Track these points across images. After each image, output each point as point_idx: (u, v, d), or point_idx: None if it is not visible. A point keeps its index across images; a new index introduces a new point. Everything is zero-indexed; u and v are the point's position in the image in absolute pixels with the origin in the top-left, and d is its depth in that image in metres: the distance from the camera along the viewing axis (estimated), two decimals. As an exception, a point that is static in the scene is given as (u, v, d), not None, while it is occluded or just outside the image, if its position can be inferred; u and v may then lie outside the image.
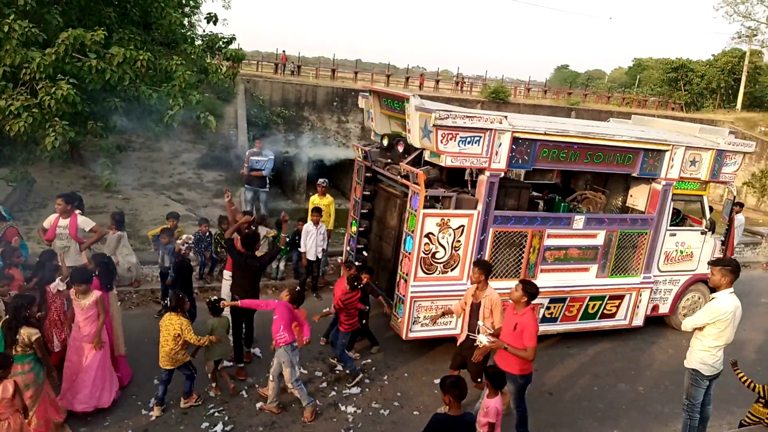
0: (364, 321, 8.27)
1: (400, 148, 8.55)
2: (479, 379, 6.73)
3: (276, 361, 6.66)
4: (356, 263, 8.58)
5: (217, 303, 7.00)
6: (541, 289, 8.42)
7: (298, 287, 7.24)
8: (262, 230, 10.00)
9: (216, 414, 6.68)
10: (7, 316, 5.67)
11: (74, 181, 14.83)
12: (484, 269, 6.74)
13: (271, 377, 6.79)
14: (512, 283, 8.24)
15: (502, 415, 5.44)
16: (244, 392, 7.12)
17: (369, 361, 8.19)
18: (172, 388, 6.89)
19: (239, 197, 14.55)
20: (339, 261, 9.41)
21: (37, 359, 5.67)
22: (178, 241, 8.38)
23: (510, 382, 6.11)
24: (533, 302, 6.17)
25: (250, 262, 7.35)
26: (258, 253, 7.73)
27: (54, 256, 7.08)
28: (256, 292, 7.43)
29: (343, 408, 7.05)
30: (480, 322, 6.56)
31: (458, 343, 7.04)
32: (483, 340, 6.14)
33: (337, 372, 7.83)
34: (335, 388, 7.48)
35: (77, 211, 8.09)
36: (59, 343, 6.68)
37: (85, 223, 7.97)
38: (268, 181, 13.22)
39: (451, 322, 8.07)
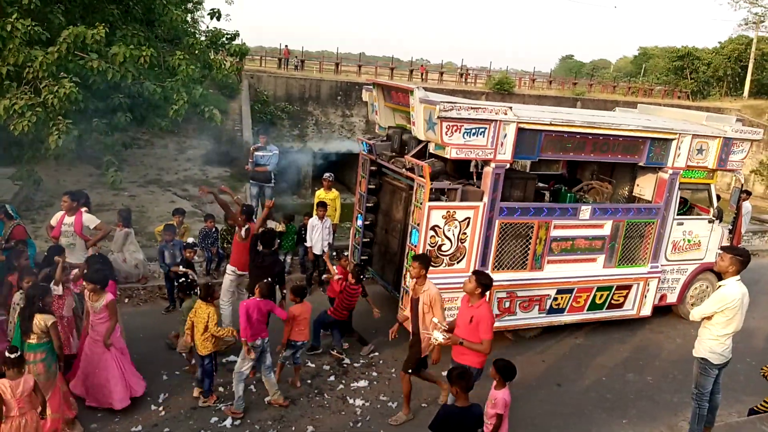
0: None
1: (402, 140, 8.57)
2: (410, 370, 6.65)
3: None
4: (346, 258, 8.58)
5: (186, 283, 7.19)
6: (548, 280, 8.55)
7: (268, 280, 7.14)
8: (270, 225, 10.05)
9: (225, 409, 6.71)
10: (22, 306, 5.77)
11: (81, 179, 14.87)
12: (424, 263, 6.51)
13: (261, 373, 6.87)
14: (519, 275, 8.35)
15: (509, 407, 5.42)
16: (252, 387, 7.13)
17: (377, 354, 8.20)
18: (181, 383, 6.93)
19: (245, 192, 14.57)
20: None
21: (51, 350, 5.73)
22: (187, 253, 8.38)
23: None
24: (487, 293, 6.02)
25: (266, 260, 7.36)
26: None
27: (61, 252, 7.11)
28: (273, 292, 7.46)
29: (351, 401, 7.08)
30: (435, 319, 6.25)
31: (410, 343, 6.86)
32: (438, 336, 5.86)
33: (345, 365, 7.85)
34: (343, 381, 7.51)
35: (83, 209, 8.13)
36: None
37: (90, 220, 8.01)
38: (272, 177, 13.23)
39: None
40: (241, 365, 6.61)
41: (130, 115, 10.23)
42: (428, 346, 6.47)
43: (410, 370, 6.67)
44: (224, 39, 12.54)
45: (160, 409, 6.62)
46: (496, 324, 8.35)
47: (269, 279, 7.05)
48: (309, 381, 7.46)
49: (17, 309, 6.23)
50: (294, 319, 7.07)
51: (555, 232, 8.46)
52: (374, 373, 7.75)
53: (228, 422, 6.45)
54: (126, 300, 9.17)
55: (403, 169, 8.22)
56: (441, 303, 6.45)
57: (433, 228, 7.66)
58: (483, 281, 5.86)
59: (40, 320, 5.66)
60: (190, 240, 9.22)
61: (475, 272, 6.03)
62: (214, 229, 10.03)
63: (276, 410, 6.74)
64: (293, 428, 6.48)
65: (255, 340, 6.56)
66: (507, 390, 5.37)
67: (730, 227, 10.13)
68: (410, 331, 6.78)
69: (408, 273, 7.87)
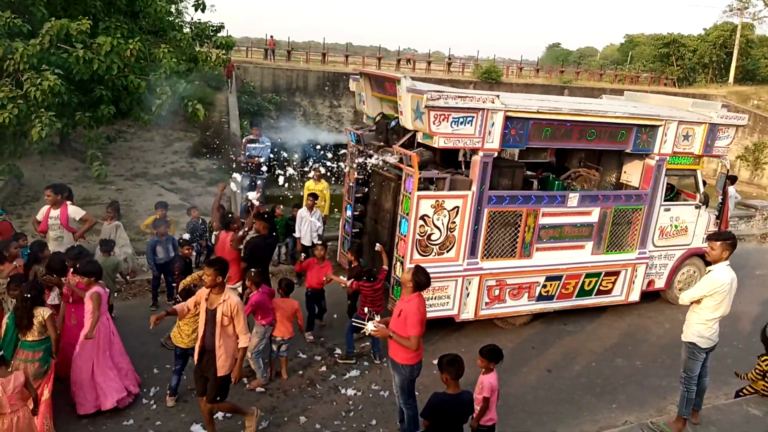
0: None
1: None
2: (218, 398, 5.74)
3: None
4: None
5: (107, 245, 7.70)
6: (537, 268, 8.59)
7: (258, 270, 7.19)
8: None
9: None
10: (25, 296, 5.59)
11: (66, 173, 14.73)
12: (220, 270, 5.49)
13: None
14: (508, 263, 8.38)
15: (497, 392, 5.45)
16: (245, 378, 7.11)
17: (368, 343, 8.21)
18: (171, 377, 6.89)
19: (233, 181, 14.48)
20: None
21: (48, 350, 5.65)
22: (185, 251, 8.18)
23: (394, 372, 5.82)
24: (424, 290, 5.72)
25: (269, 241, 7.89)
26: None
27: (44, 247, 7.03)
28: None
29: (343, 391, 7.09)
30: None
31: (196, 361, 5.79)
32: (369, 327, 5.66)
33: (336, 356, 7.85)
34: (335, 371, 7.51)
35: (68, 202, 8.05)
36: None
37: (75, 212, 7.95)
38: (264, 168, 13.18)
39: (447, 302, 8.09)
40: (258, 345, 6.93)
41: (113, 108, 10.13)
42: (232, 364, 5.61)
43: (218, 398, 5.75)
44: (209, 31, 12.44)
45: (152, 402, 6.60)
46: (487, 312, 8.46)
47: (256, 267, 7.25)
48: (300, 372, 7.46)
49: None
50: (272, 311, 7.11)
51: (543, 220, 8.49)
52: (365, 363, 7.77)
53: (219, 414, 6.43)
54: (115, 294, 9.09)
55: (391, 158, 8.18)
56: (243, 313, 5.64)
57: (422, 217, 7.66)
58: (418, 278, 5.58)
59: (39, 312, 5.56)
60: (186, 236, 8.94)
61: (416, 266, 5.74)
62: (201, 221, 9.94)
63: (268, 401, 6.75)
64: (285, 419, 6.49)
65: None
66: (494, 374, 5.39)
67: (717, 213, 10.22)
68: (203, 347, 5.65)
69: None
